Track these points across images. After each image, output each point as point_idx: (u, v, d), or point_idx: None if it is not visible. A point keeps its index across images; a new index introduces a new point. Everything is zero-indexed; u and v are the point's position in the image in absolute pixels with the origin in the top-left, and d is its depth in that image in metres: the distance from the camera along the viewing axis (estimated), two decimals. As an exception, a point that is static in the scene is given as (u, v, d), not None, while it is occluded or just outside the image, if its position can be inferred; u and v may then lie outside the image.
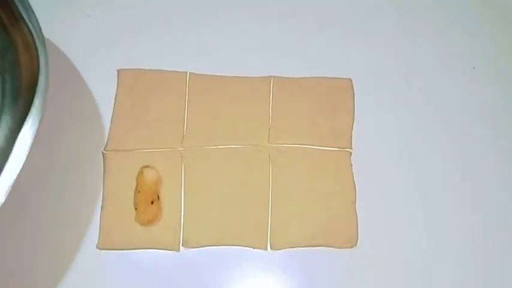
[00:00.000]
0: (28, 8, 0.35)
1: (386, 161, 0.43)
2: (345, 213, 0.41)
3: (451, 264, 0.40)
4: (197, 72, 0.45)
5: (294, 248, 0.40)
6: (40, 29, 0.34)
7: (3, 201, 0.30)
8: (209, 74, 0.45)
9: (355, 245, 0.40)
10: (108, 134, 0.43)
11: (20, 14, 0.35)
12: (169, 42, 0.46)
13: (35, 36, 0.34)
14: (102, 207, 0.40)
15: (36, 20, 0.35)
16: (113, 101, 0.43)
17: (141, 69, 0.45)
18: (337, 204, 0.41)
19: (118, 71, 0.45)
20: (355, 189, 0.42)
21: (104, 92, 0.44)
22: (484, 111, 0.45)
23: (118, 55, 0.45)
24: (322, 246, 0.40)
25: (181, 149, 0.42)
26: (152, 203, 0.40)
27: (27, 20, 0.34)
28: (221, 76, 0.45)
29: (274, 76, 0.45)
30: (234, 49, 0.46)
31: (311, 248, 0.40)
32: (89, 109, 0.43)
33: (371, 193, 0.42)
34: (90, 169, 0.42)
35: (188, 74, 0.45)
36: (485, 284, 0.40)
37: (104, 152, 0.42)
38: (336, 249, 0.40)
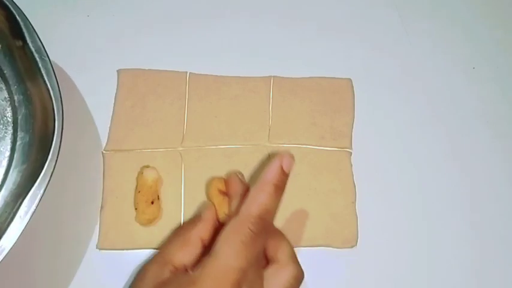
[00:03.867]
0: (49, 70, 0.35)
1: (386, 161, 0.43)
2: (345, 213, 0.41)
3: (450, 264, 0.40)
4: (197, 72, 0.45)
5: (294, 248, 0.40)
6: (59, 90, 0.35)
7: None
8: (209, 74, 0.45)
9: (355, 245, 0.40)
10: (108, 134, 0.43)
11: (40, 71, 0.35)
12: (169, 42, 0.46)
13: (53, 96, 0.35)
14: (102, 207, 0.40)
15: (57, 81, 0.35)
16: (113, 101, 0.43)
17: (141, 69, 0.45)
18: (337, 204, 0.41)
19: (118, 71, 0.45)
20: (355, 189, 0.42)
21: (104, 92, 0.44)
22: (484, 111, 0.45)
23: (118, 55, 0.45)
24: (322, 246, 0.40)
25: (181, 149, 0.42)
26: (152, 203, 0.40)
27: (46, 80, 0.35)
28: (221, 76, 0.45)
29: (274, 76, 0.45)
30: (234, 49, 0.46)
31: (311, 248, 0.40)
32: (89, 109, 0.43)
33: (371, 193, 0.42)
34: (90, 169, 0.42)
35: (188, 74, 0.45)
36: (484, 284, 0.40)
37: (104, 152, 0.42)
38: (336, 249, 0.40)
